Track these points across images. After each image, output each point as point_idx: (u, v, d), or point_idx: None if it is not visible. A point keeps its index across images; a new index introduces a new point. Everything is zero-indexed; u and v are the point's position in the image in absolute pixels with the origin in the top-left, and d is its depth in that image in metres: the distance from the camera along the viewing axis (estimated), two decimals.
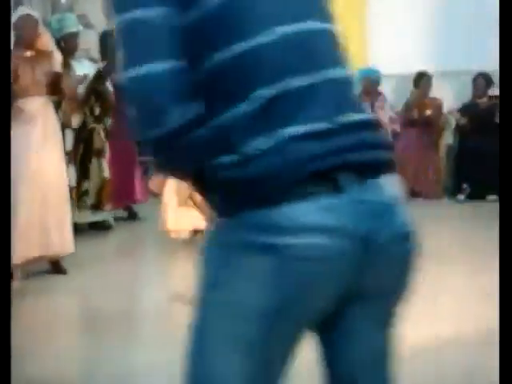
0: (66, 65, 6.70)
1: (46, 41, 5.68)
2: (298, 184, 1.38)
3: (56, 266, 5.58)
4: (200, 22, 1.41)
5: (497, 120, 8.59)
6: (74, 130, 7.01)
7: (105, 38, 7.71)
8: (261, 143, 1.37)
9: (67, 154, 6.43)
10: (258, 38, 1.41)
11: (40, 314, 4.81)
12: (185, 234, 6.10)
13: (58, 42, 6.93)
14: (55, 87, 5.53)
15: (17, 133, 5.28)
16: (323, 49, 1.50)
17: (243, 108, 1.39)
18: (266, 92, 1.39)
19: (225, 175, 1.40)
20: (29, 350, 4.04)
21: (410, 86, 9.02)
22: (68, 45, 6.93)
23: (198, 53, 1.42)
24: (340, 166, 1.40)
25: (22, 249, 5.25)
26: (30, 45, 5.44)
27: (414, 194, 8.47)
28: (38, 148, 5.40)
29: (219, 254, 1.47)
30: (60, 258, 5.58)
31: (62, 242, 5.47)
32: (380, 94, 9.10)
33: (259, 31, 1.41)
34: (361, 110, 1.51)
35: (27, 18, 5.49)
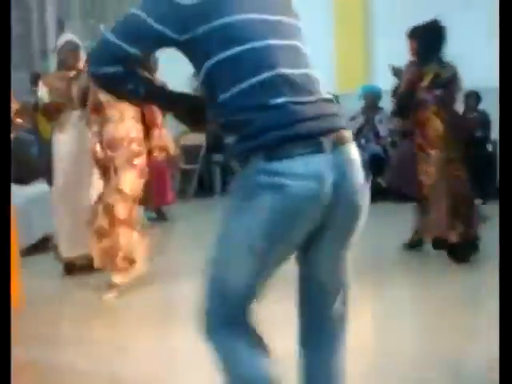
0: None
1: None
2: (294, 144, 1.95)
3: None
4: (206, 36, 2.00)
5: (478, 134, 8.77)
6: None
7: None
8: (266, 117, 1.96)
9: None
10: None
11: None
12: None
13: None
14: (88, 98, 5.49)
15: (58, 142, 5.56)
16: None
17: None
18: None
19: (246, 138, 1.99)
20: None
21: None
22: None
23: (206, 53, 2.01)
24: (322, 132, 1.99)
25: (70, 247, 5.47)
26: (72, 66, 5.57)
27: (407, 198, 8.56)
28: (76, 155, 5.51)
29: (240, 191, 2.05)
30: None
31: None
32: (381, 108, 9.22)
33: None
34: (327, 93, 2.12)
35: (69, 43, 5.63)
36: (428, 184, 5.79)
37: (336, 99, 8.07)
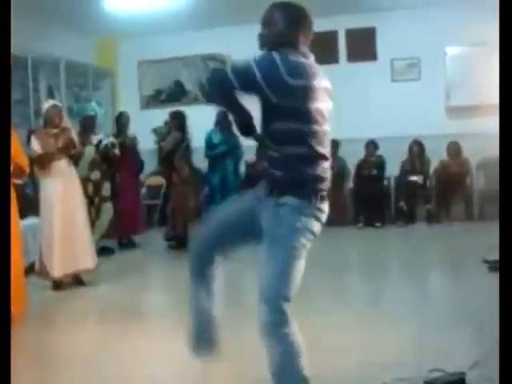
0: (85, 137, 6.92)
1: (66, 121, 5.87)
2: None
3: (78, 279, 5.73)
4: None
5: (381, 173, 9.09)
6: (93, 181, 7.11)
7: (119, 118, 8.04)
8: None
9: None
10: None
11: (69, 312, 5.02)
12: None
13: (80, 122, 7.14)
14: (70, 149, 5.66)
15: (47, 184, 5.53)
16: None
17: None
18: None
19: None
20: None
21: None
22: (86, 123, 7.15)
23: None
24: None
25: (59, 267, 5.46)
26: (56, 125, 5.63)
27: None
28: (63, 194, 5.53)
29: None
30: (82, 273, 5.71)
31: (88, 260, 5.68)
32: None
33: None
34: None
35: (54, 107, 5.71)
36: None
37: None
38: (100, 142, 7.31)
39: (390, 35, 9.58)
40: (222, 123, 7.97)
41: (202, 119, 8.54)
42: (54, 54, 8.76)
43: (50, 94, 8.70)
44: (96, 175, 7.16)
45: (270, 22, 2.52)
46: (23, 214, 6.27)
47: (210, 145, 8.04)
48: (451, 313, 4.39)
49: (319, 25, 10.61)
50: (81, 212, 5.78)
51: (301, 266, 2.44)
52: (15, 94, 7.91)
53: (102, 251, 7.06)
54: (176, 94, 10.71)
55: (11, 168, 4.30)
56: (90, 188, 7.05)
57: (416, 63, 9.63)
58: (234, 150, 8.06)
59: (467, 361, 3.12)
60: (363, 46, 9.74)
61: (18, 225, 4.70)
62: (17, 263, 4.45)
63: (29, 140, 7.51)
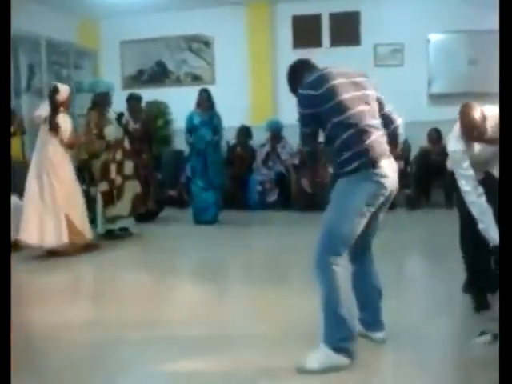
0: (101, 116, 6.90)
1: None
2: (382, 161, 3.07)
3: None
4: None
5: None
6: (117, 161, 6.96)
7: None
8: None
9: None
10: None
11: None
12: None
13: (93, 99, 7.05)
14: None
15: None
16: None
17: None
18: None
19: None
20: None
21: None
22: (100, 101, 6.96)
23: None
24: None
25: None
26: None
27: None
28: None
29: (351, 183, 3.09)
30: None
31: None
32: (282, 138, 9.43)
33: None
34: None
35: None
36: None
37: (249, 130, 8.58)
38: (121, 115, 7.15)
39: (374, 20, 9.58)
40: (203, 104, 7.90)
41: (183, 100, 8.52)
42: (35, 31, 8.66)
43: (31, 72, 8.58)
44: (119, 154, 6.98)
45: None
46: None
47: (190, 125, 7.96)
48: (430, 298, 4.45)
49: (303, 8, 10.64)
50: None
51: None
52: None
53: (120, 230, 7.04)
54: (158, 74, 10.65)
55: None
56: (114, 168, 6.90)
57: (399, 49, 9.67)
58: (216, 132, 7.99)
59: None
60: (347, 30, 9.73)
61: None
62: None
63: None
